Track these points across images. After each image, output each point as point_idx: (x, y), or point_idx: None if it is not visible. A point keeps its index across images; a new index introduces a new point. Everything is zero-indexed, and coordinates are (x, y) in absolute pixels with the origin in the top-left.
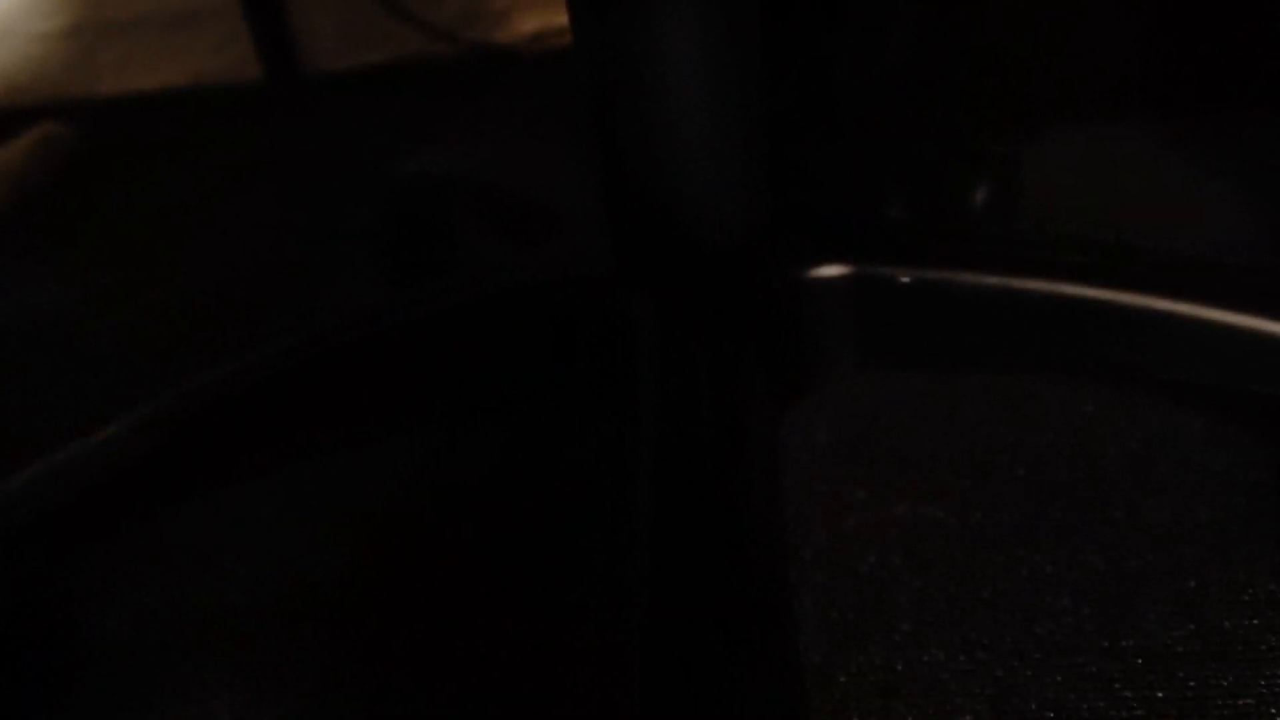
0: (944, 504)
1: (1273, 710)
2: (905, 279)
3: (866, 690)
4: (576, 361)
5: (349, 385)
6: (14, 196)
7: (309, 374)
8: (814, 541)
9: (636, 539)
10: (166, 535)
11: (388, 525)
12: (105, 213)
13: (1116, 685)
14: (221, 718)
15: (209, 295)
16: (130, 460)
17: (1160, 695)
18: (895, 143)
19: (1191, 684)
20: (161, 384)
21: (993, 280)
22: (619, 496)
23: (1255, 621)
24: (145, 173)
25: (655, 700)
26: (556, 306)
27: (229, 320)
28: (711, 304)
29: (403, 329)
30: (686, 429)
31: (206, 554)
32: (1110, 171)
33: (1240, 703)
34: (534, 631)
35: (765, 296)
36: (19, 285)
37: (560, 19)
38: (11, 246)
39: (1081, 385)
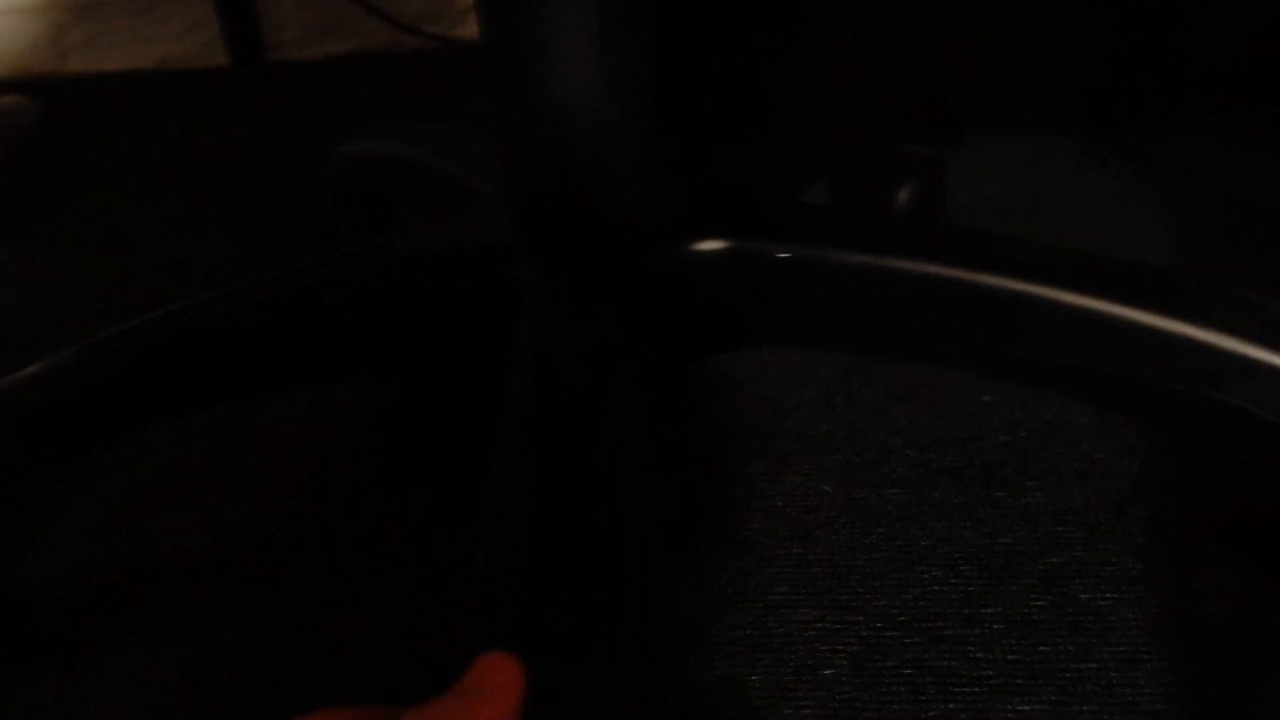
0: (833, 480)
1: (1113, 673)
2: (782, 254)
3: (736, 645)
4: (472, 327)
5: (262, 338)
6: None
7: (228, 323)
8: (704, 510)
9: (502, 480)
10: (96, 479)
11: (299, 468)
12: (65, 187)
13: (972, 648)
14: (159, 665)
15: (158, 272)
16: (58, 398)
17: (1011, 658)
18: (819, 142)
19: (1043, 649)
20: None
21: (865, 258)
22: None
23: (1112, 595)
24: (106, 150)
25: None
26: (455, 273)
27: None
28: (595, 274)
29: (320, 286)
30: (553, 389)
31: (136, 499)
32: (1032, 176)
33: (1085, 666)
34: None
35: (646, 269)
36: None
37: None
38: None
39: (980, 377)
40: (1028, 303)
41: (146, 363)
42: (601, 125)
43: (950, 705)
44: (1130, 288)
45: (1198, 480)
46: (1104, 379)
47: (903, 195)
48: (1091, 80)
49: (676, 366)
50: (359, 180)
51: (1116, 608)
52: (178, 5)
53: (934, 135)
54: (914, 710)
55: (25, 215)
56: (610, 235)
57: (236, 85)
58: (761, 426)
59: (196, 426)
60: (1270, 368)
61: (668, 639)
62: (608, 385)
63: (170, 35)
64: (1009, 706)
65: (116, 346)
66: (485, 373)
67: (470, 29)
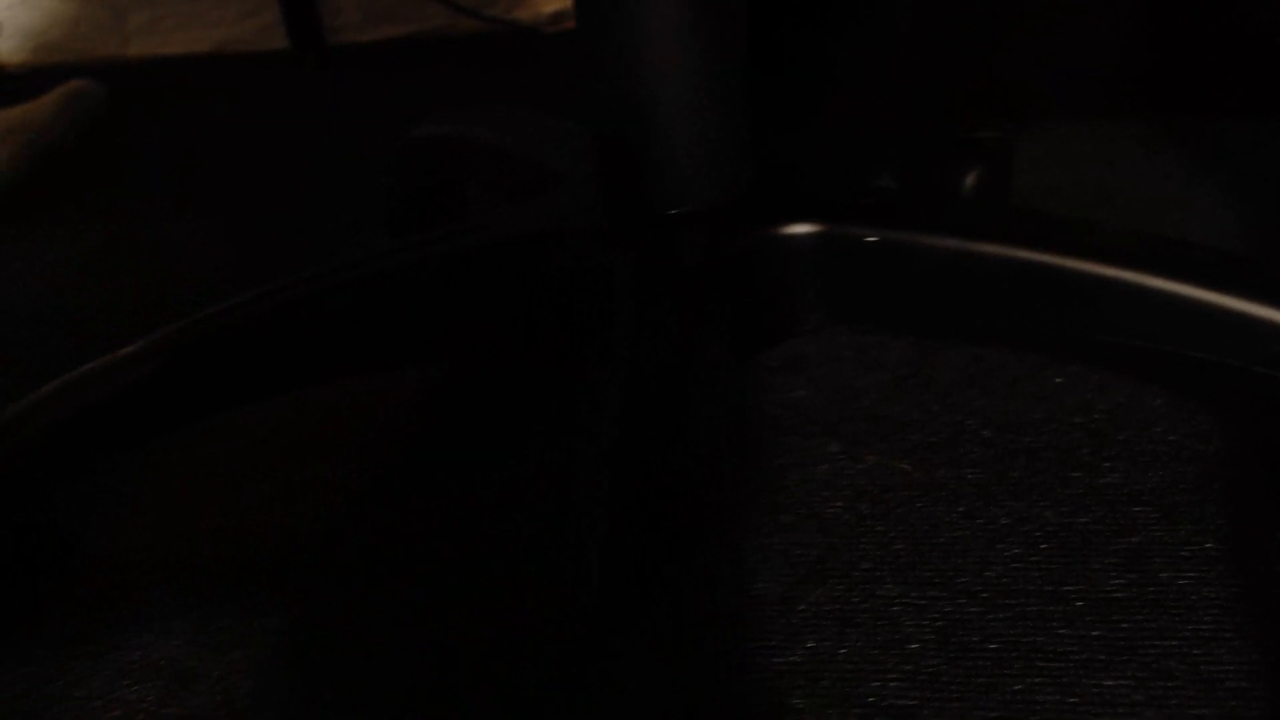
0: (911, 459)
1: (1196, 651)
2: (871, 238)
3: (823, 619)
4: (562, 309)
5: (340, 324)
6: (40, 152)
7: (305, 310)
8: (786, 488)
9: (600, 466)
10: (162, 460)
11: (372, 457)
12: (128, 171)
13: (1055, 624)
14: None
15: (226, 254)
16: (129, 384)
17: (1095, 634)
18: (886, 128)
19: (1125, 626)
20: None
21: (954, 243)
22: (591, 431)
23: (1192, 575)
24: (168, 133)
25: (612, 616)
26: (546, 257)
27: (244, 279)
28: (685, 257)
29: (402, 271)
30: (652, 371)
31: (195, 481)
32: (1096, 165)
33: (1167, 644)
34: (503, 551)
35: (738, 252)
36: (42, 241)
37: None
38: (36, 201)
39: (1053, 359)
40: (1116, 288)
41: (232, 346)
42: (693, 109)
43: (1036, 680)
44: (1213, 272)
45: (1275, 464)
46: (1178, 362)
47: (969, 179)
48: (1156, 63)
49: (755, 350)
50: (429, 164)
51: (1197, 587)
52: None
53: (1000, 119)
54: (1000, 684)
55: (92, 197)
56: (700, 218)
57: (296, 69)
58: (835, 407)
59: (267, 408)
60: None
61: (756, 615)
62: (702, 367)
63: (230, 19)
64: (1094, 682)
65: (201, 331)
66: (561, 355)
67: (528, 11)
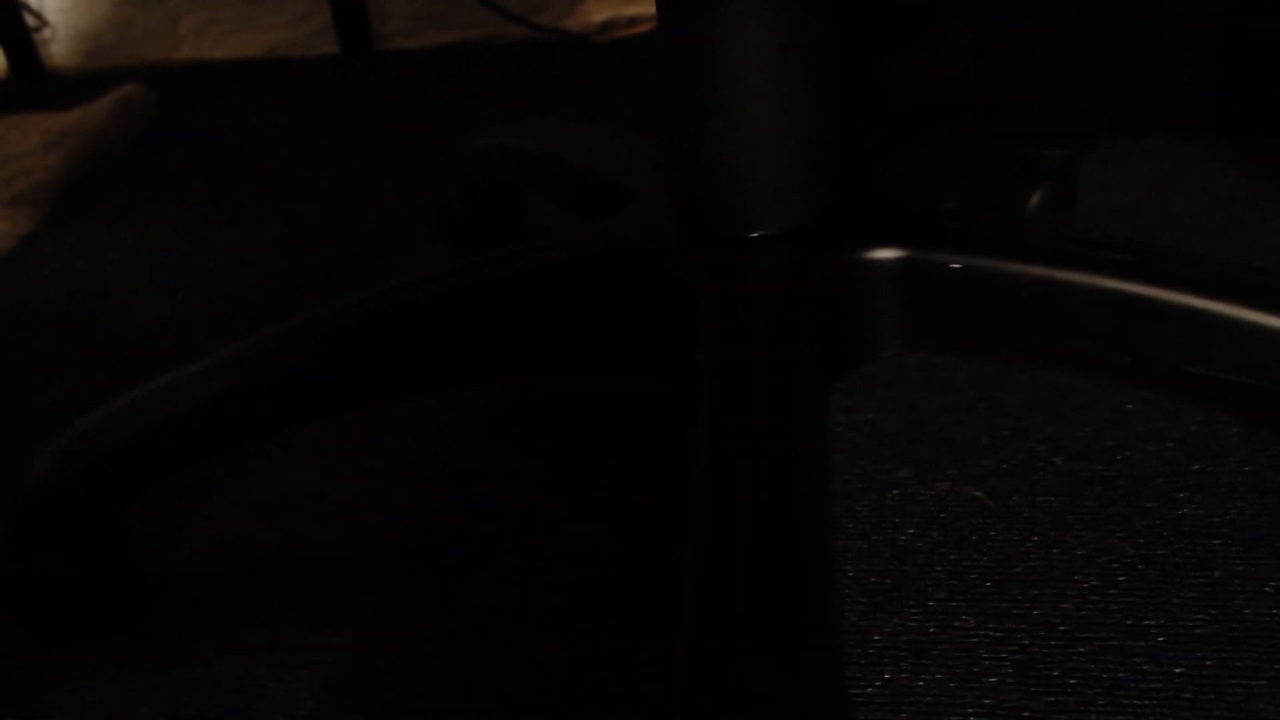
0: (983, 486)
1: None
2: (955, 265)
3: (899, 649)
4: (641, 330)
5: (419, 339)
6: (96, 156)
7: (385, 324)
8: (858, 513)
9: (692, 499)
10: (229, 472)
11: (445, 473)
12: (182, 174)
13: (1137, 660)
14: (288, 643)
15: (276, 258)
16: (214, 394)
17: (1178, 671)
18: (953, 148)
19: (1209, 664)
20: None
21: (1039, 270)
22: (676, 457)
23: (1276, 612)
24: (220, 137)
25: (704, 652)
26: (625, 276)
27: (295, 284)
28: (770, 281)
29: (480, 287)
30: (741, 397)
31: (283, 487)
32: (1163, 185)
33: (1254, 684)
34: (586, 576)
35: (821, 276)
36: (101, 243)
37: (628, 10)
38: (93, 203)
39: (1122, 385)
40: (1206, 319)
41: (312, 358)
42: (782, 131)
43: (1119, 717)
44: None
45: None
46: (1254, 392)
47: (1034, 198)
48: (1224, 82)
49: (835, 375)
50: (489, 175)
51: None
52: None
53: (1067, 138)
54: None
55: (147, 200)
56: (783, 241)
57: (345, 74)
58: (905, 431)
59: (347, 418)
60: None
61: (833, 644)
62: (793, 392)
63: (281, 24)
64: None
65: (288, 340)
66: (640, 375)
67: (577, 20)
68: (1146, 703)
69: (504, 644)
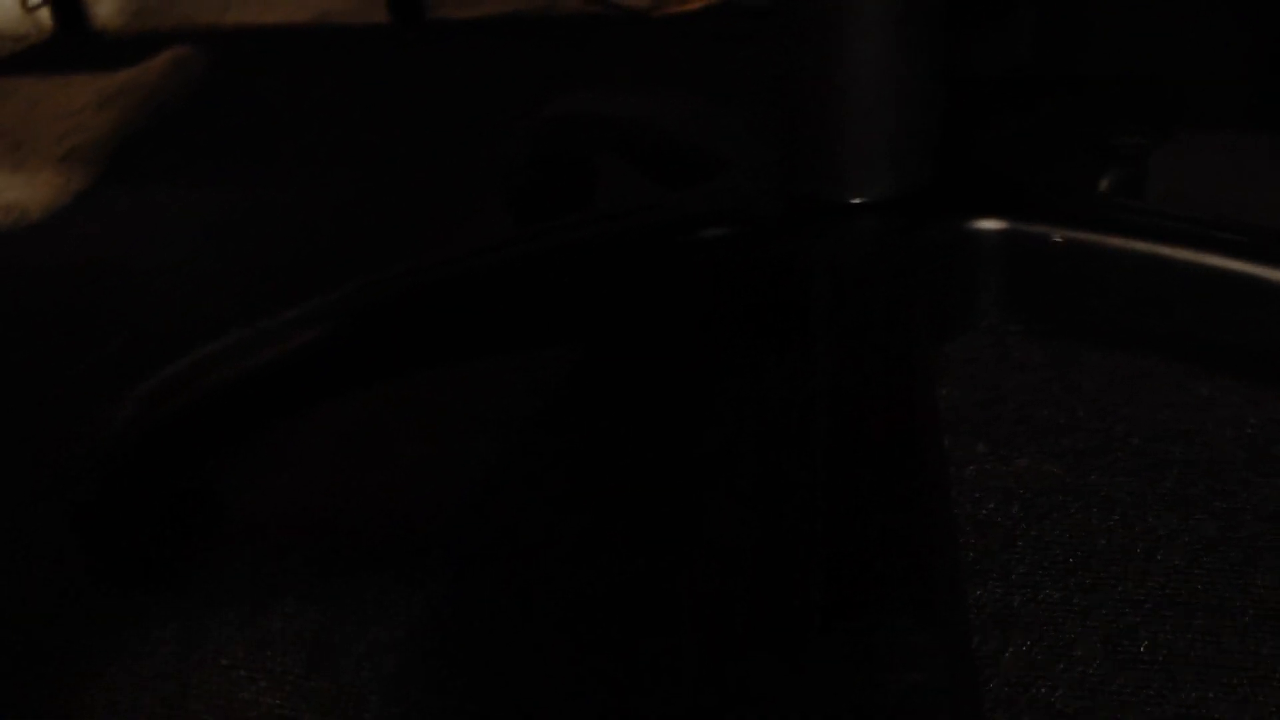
0: (1061, 463)
1: None
2: (1059, 238)
3: (985, 621)
4: (744, 293)
5: (517, 297)
6: (149, 115)
7: (482, 280)
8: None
9: (818, 462)
10: (312, 427)
11: (536, 434)
12: (233, 136)
13: (1225, 638)
14: (358, 607)
15: (329, 223)
16: (289, 353)
17: (1265, 652)
18: (1040, 125)
19: None
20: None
21: (1143, 246)
22: (792, 422)
23: None
24: (271, 101)
25: (839, 611)
26: (729, 240)
27: (352, 246)
28: (879, 248)
29: (582, 246)
30: (860, 365)
31: (344, 449)
32: (1233, 176)
33: None
34: (701, 545)
35: (927, 245)
36: (159, 202)
37: None
38: (148, 163)
39: (1196, 368)
40: None
41: (405, 312)
42: (894, 100)
43: (1209, 694)
44: None
45: None
46: None
47: (1102, 184)
48: None
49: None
50: (567, 142)
51: None
52: None
53: (1141, 125)
54: (1171, 694)
55: (201, 161)
56: (889, 209)
57: (395, 42)
58: (982, 408)
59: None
60: None
61: (962, 603)
62: (909, 357)
63: None
64: (1270, 700)
65: (379, 293)
66: (746, 338)
67: None
68: (1236, 681)
69: (581, 611)
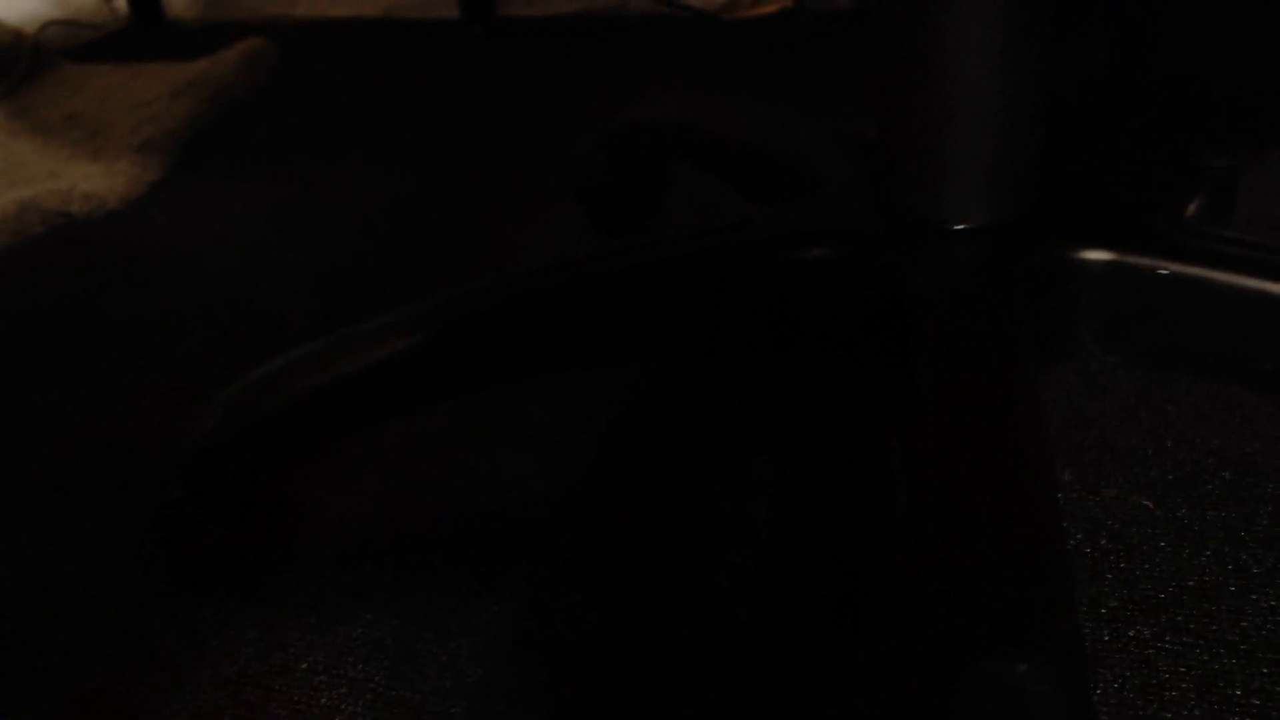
0: (1150, 495)
1: None
2: (1165, 271)
3: None
4: (841, 314)
5: (607, 313)
6: (221, 107)
7: (572, 294)
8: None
9: (917, 487)
10: (391, 436)
11: (623, 450)
12: (304, 129)
13: None
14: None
15: (396, 219)
16: (393, 355)
17: None
18: (1134, 147)
19: None
20: (358, 301)
21: (1251, 283)
22: (892, 440)
23: None
24: (338, 95)
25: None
26: (827, 259)
27: (418, 245)
28: (981, 275)
29: (668, 262)
30: (962, 389)
31: (423, 459)
32: None
33: None
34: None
35: (1029, 273)
36: (229, 194)
37: None
38: (219, 154)
39: None
40: None
41: (492, 325)
42: (997, 122)
43: None
44: None
45: None
46: None
47: (1192, 206)
48: None
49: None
50: (647, 146)
51: None
52: None
53: (1233, 146)
54: None
55: (271, 153)
56: (991, 234)
57: (464, 38)
58: (1067, 434)
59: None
60: None
61: (1077, 639)
62: (1012, 385)
63: None
64: None
65: (468, 305)
66: (841, 360)
67: None
68: None
69: (665, 623)
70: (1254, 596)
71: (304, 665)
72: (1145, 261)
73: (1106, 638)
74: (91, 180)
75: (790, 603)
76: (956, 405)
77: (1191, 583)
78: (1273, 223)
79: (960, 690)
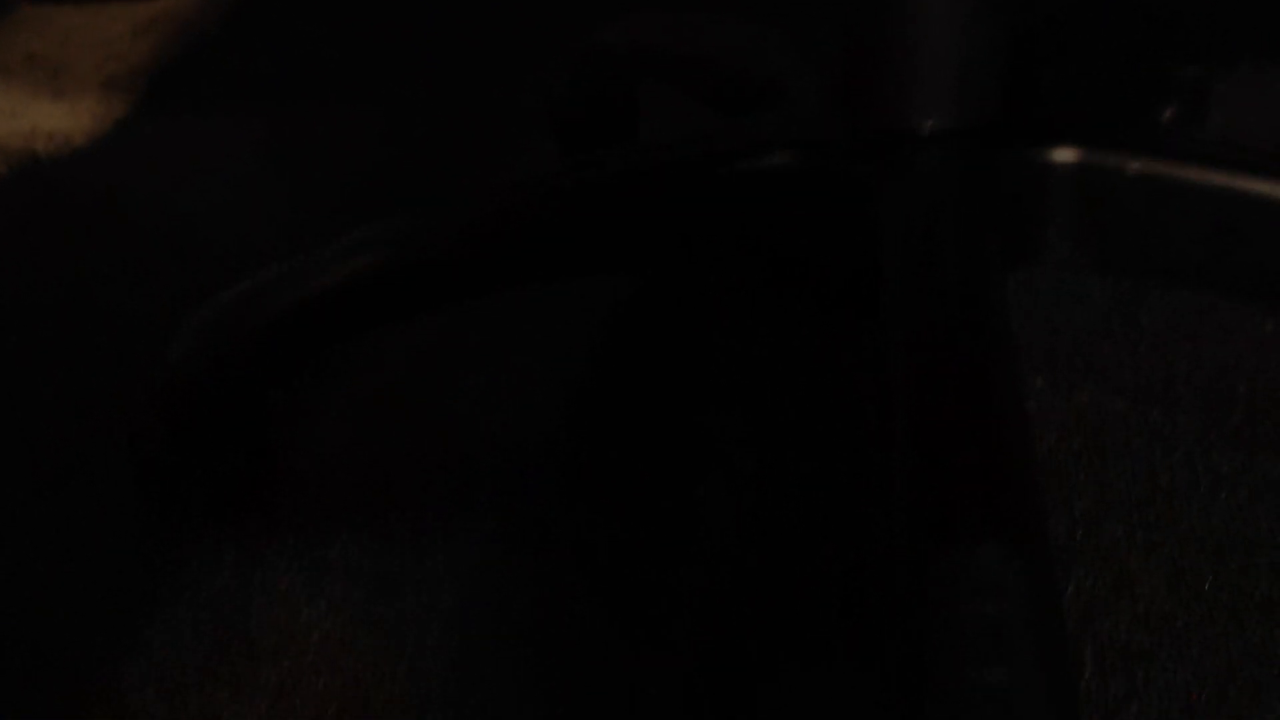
0: (1123, 399)
1: None
2: (1134, 168)
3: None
4: (806, 221)
5: (578, 224)
6: (185, 44)
7: (529, 211)
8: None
9: (893, 397)
10: (364, 359)
11: (599, 366)
12: (275, 62)
13: None
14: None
15: (374, 150)
16: (360, 270)
17: None
18: (1100, 56)
19: None
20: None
21: (1221, 178)
22: (865, 350)
23: None
24: (309, 29)
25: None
26: (794, 168)
27: (391, 176)
28: (950, 177)
29: (643, 175)
30: (934, 290)
31: (400, 382)
32: None
33: None
34: (771, 483)
35: (998, 173)
36: (201, 132)
37: None
38: (182, 91)
39: (1260, 306)
40: None
41: (462, 240)
42: (962, 22)
43: (1274, 633)
44: None
45: None
46: None
47: (1165, 115)
48: None
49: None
50: (616, 70)
51: None
52: None
53: (1204, 56)
54: (1236, 633)
55: (242, 89)
56: (957, 137)
57: None
58: (1040, 341)
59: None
60: None
61: (1046, 536)
62: (984, 289)
63: None
64: None
65: (435, 220)
66: (806, 267)
67: None
68: None
69: (637, 548)
70: (1223, 495)
71: (282, 585)
72: (1114, 160)
73: (1080, 536)
74: (55, 120)
75: (775, 511)
76: (925, 308)
77: (1162, 482)
78: (1246, 133)
79: (930, 578)
